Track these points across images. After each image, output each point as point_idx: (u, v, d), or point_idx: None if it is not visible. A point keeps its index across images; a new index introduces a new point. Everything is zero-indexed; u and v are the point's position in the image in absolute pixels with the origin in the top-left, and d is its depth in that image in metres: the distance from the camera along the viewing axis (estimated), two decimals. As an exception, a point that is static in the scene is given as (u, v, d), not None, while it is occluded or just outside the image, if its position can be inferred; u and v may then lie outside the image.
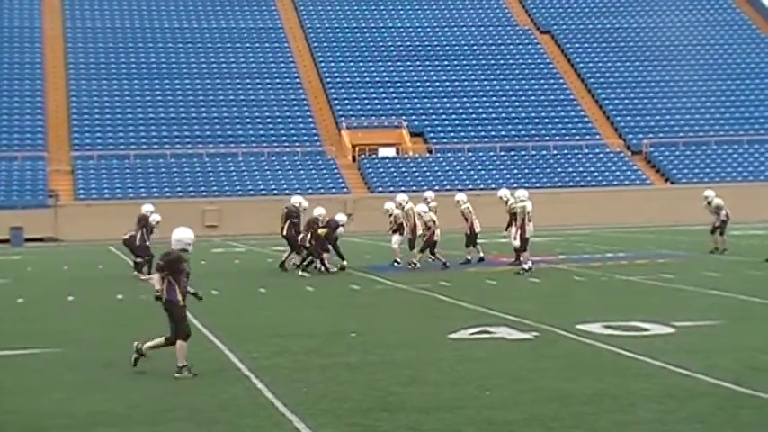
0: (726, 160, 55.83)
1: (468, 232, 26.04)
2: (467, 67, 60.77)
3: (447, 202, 28.72)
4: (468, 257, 26.17)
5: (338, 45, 62.00)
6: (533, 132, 56.62)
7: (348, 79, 59.32)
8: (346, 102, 57.65)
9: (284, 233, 25.83)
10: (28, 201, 47.97)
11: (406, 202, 26.16)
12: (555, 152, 55.07)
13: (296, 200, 26.24)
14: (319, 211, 25.21)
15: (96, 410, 10.38)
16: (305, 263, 24.89)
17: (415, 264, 24.99)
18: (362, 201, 48.89)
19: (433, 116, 57.20)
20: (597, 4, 67.96)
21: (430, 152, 54.97)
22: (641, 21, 66.55)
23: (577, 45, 64.13)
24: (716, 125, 58.26)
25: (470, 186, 50.28)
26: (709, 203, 29.22)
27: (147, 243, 24.91)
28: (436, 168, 53.12)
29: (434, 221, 24.95)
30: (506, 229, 25.40)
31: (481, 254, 26.33)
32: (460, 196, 26.76)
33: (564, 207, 49.63)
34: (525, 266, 23.42)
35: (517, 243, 23.99)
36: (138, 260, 25.08)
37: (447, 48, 62.32)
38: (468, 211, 26.02)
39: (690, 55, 62.95)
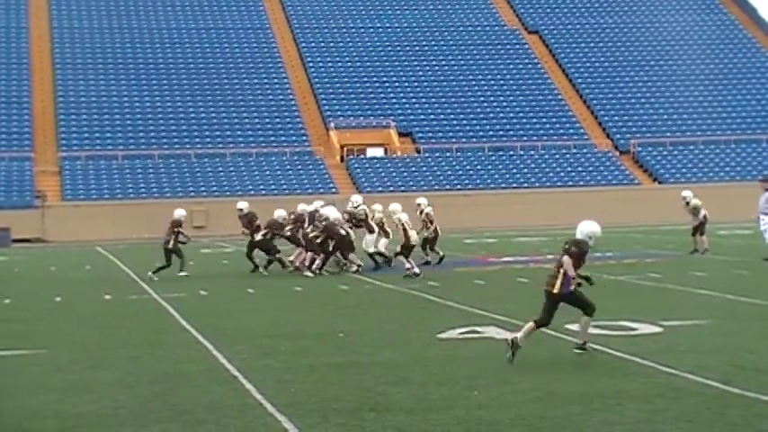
0: (713, 160, 55.98)
1: (433, 234, 26.31)
2: (455, 67, 60.80)
3: (435, 203, 28.93)
4: (428, 259, 26.31)
5: (326, 45, 61.96)
6: (521, 132, 56.66)
7: (336, 79, 59.29)
8: (334, 102, 57.61)
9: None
10: (15, 201, 47.80)
11: (427, 205, 26.59)
12: (543, 152, 55.14)
13: (279, 214, 26.57)
14: (279, 213, 26.06)
15: (83, 411, 10.34)
16: (281, 264, 25.62)
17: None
18: (351, 201, 48.84)
19: (422, 116, 57.21)
20: (585, 5, 68.07)
21: (418, 152, 54.97)
22: (629, 21, 66.70)
23: (565, 45, 64.23)
24: (703, 125, 58.42)
25: (458, 186, 50.35)
26: (687, 204, 29.07)
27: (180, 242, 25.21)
28: (424, 168, 53.12)
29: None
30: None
31: (428, 258, 26.37)
32: (422, 207, 26.56)
33: (552, 207, 49.70)
34: (416, 270, 23.36)
35: (373, 249, 25.51)
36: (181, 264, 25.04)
37: (435, 48, 62.35)
38: (430, 214, 26.40)
39: (677, 55, 63.13)
